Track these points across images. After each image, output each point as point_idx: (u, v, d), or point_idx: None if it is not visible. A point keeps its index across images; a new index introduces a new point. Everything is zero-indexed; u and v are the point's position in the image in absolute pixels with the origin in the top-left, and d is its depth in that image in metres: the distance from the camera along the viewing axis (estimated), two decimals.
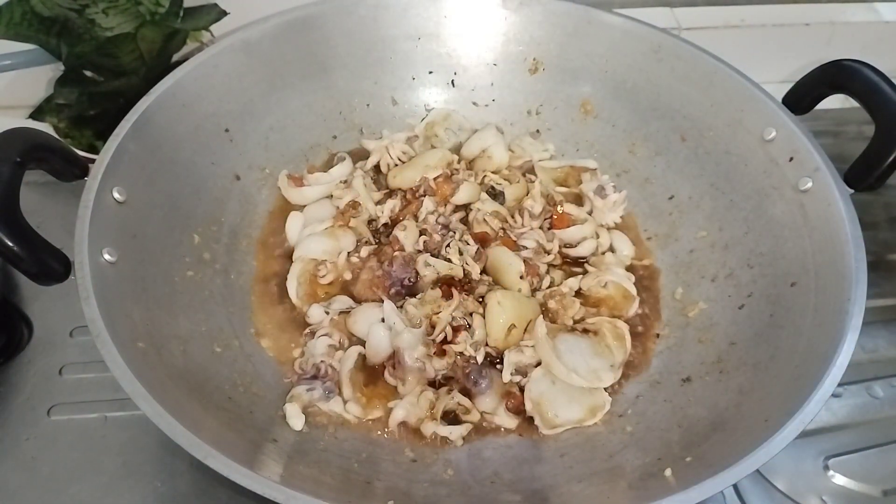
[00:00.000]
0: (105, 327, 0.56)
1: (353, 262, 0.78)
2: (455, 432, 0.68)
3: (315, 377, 0.70)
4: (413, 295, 0.75)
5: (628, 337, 0.75)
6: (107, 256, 0.62)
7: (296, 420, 0.66)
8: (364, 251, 0.78)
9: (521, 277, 0.76)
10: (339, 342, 0.72)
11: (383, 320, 0.72)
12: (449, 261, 0.76)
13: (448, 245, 0.77)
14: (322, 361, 0.70)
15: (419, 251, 0.77)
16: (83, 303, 0.57)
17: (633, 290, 0.78)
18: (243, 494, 0.50)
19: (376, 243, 0.81)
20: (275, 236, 0.82)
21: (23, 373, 0.77)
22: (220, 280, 0.76)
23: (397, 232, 0.78)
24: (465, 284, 0.76)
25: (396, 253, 0.76)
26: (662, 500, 0.52)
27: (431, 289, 0.74)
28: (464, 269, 0.76)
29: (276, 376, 0.71)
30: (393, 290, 0.75)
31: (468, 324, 0.72)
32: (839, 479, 0.75)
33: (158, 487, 0.69)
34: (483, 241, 0.79)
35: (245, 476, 0.51)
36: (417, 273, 0.75)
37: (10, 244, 0.55)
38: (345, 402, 0.69)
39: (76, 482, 0.69)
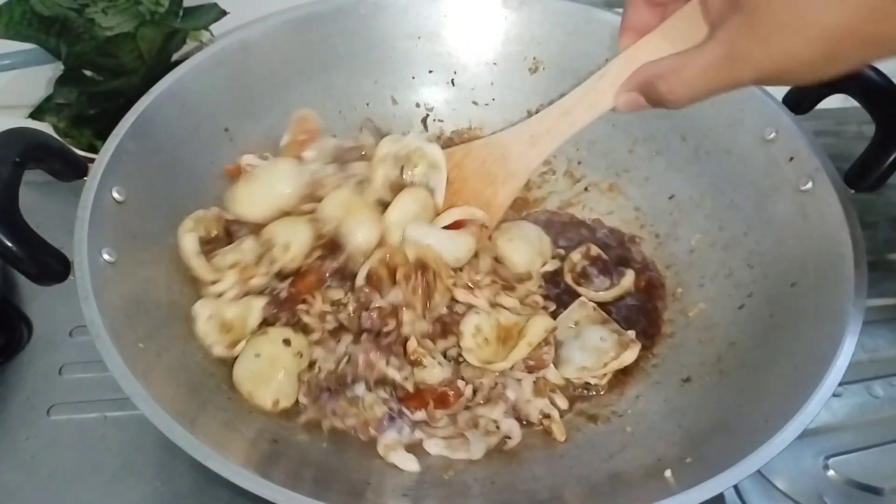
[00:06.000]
0: (105, 327, 0.56)
1: None
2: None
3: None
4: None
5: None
6: (106, 256, 0.62)
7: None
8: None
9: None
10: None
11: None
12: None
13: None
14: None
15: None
16: (82, 303, 0.57)
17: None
18: (243, 495, 0.50)
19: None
20: None
21: (22, 373, 0.77)
22: None
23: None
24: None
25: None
26: (662, 500, 0.52)
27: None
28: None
29: None
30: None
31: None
32: (839, 479, 0.75)
33: (158, 487, 0.69)
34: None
35: (245, 478, 0.50)
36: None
37: (10, 244, 0.55)
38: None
39: (76, 482, 0.69)
